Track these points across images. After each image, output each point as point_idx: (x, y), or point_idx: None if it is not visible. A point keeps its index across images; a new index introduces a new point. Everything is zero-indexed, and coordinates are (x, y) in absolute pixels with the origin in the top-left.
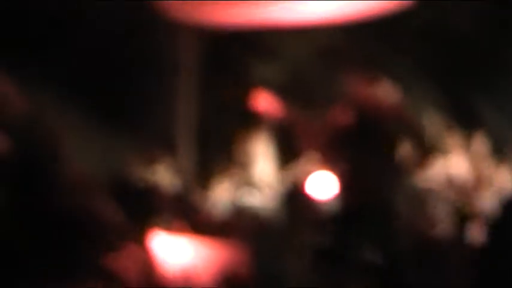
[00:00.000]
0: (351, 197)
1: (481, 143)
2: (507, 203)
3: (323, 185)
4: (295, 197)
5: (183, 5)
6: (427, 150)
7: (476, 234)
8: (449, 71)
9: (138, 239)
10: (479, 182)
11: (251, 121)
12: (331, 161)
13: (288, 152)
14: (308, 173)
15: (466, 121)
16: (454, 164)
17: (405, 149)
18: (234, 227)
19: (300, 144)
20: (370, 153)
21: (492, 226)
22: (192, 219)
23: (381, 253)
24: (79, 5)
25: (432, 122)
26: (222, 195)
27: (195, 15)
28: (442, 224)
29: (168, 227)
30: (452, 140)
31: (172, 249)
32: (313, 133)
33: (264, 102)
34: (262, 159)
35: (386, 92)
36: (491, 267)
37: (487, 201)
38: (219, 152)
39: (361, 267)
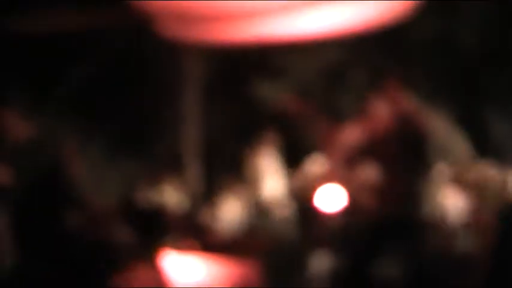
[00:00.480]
0: (377, 209)
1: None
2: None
3: (332, 199)
4: (305, 212)
5: (186, 26)
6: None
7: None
8: (457, 83)
9: (149, 259)
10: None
11: (257, 138)
12: (353, 171)
13: (296, 167)
14: (317, 186)
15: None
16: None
17: (438, 165)
18: (245, 245)
19: (325, 153)
20: (403, 165)
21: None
22: (202, 238)
23: (404, 269)
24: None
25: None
26: (231, 213)
27: (198, 34)
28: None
29: (178, 247)
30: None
31: (183, 269)
32: (339, 145)
33: (296, 104)
34: (270, 176)
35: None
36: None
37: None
38: (226, 170)
39: (383, 284)
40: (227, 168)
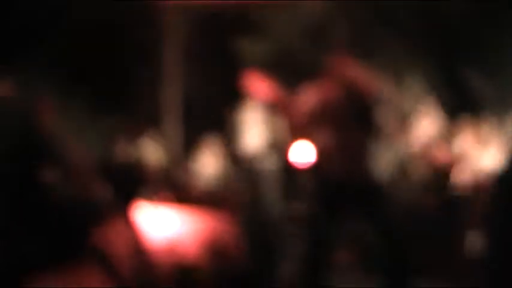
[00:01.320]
0: (333, 170)
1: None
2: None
3: (304, 154)
4: (282, 167)
5: None
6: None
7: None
8: (439, 42)
9: (123, 213)
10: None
11: (238, 96)
12: (311, 133)
13: (273, 125)
14: (290, 143)
15: (454, 93)
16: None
17: (384, 118)
18: (221, 197)
19: (283, 118)
20: (352, 126)
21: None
22: (179, 192)
23: (368, 224)
24: None
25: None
26: (209, 167)
27: None
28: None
29: (154, 199)
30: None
31: (158, 221)
32: (296, 107)
33: (254, 80)
34: (248, 132)
35: (366, 67)
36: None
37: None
38: (205, 125)
39: (348, 237)
40: (206, 124)
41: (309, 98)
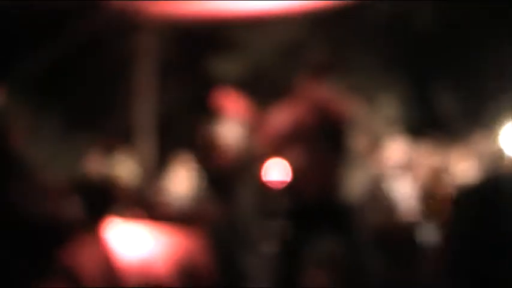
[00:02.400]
0: (305, 189)
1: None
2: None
3: (278, 173)
4: (256, 185)
5: (140, 1)
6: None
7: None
8: (411, 61)
9: (95, 231)
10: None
11: (211, 113)
12: (284, 153)
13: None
14: (264, 161)
15: (425, 109)
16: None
17: (357, 140)
18: (193, 216)
19: (256, 137)
20: (322, 146)
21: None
22: (151, 210)
23: (340, 244)
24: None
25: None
26: (181, 184)
27: (152, 10)
28: (401, 211)
29: (126, 217)
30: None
31: (129, 239)
32: (269, 126)
33: (227, 98)
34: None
35: (337, 87)
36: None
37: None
38: (178, 143)
39: (320, 258)
40: (179, 141)
41: (281, 117)
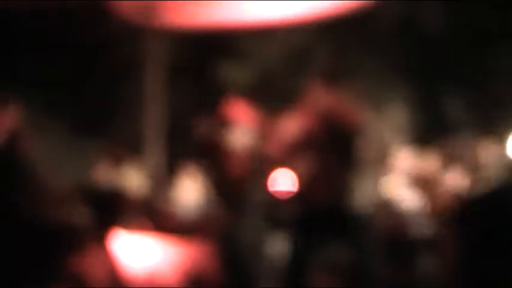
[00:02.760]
0: (313, 197)
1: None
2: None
3: (285, 183)
4: (264, 195)
5: (149, 8)
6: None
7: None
8: (419, 69)
9: (102, 240)
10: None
11: (220, 121)
12: (292, 162)
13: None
14: (273, 170)
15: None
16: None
17: (365, 149)
18: (201, 227)
19: (265, 146)
20: (331, 155)
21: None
22: (159, 220)
23: (348, 252)
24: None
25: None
26: (190, 194)
27: (161, 16)
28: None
29: (133, 228)
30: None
31: (137, 250)
32: (277, 135)
33: (236, 107)
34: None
35: (346, 95)
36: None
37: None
38: (187, 152)
39: (328, 266)
40: (188, 151)
41: (290, 125)
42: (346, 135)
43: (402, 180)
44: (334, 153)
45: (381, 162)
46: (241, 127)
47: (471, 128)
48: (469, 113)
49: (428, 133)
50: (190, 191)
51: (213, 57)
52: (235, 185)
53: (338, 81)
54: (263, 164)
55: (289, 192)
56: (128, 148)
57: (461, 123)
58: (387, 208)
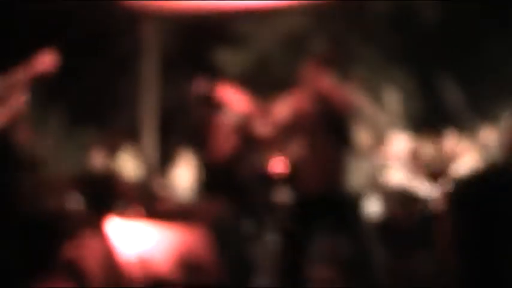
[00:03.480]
0: (307, 181)
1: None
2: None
3: (278, 167)
4: (257, 180)
5: None
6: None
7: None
8: (415, 54)
9: (97, 226)
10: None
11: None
12: (286, 145)
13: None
14: (267, 153)
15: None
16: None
17: (361, 132)
18: (196, 211)
19: (259, 129)
20: (325, 139)
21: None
22: (153, 206)
23: (343, 236)
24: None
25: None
26: (183, 181)
27: (156, 4)
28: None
29: (128, 214)
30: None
31: (131, 236)
32: (270, 118)
33: (228, 93)
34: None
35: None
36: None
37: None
38: (181, 138)
39: (324, 250)
40: (183, 137)
41: (284, 108)
42: (341, 118)
43: (398, 164)
44: (328, 136)
45: (376, 146)
46: (235, 111)
47: (468, 112)
48: (466, 98)
49: (425, 118)
50: (184, 177)
51: (207, 42)
52: (228, 169)
53: (333, 64)
54: (256, 147)
55: (282, 175)
56: (123, 135)
57: (459, 108)
58: (382, 191)
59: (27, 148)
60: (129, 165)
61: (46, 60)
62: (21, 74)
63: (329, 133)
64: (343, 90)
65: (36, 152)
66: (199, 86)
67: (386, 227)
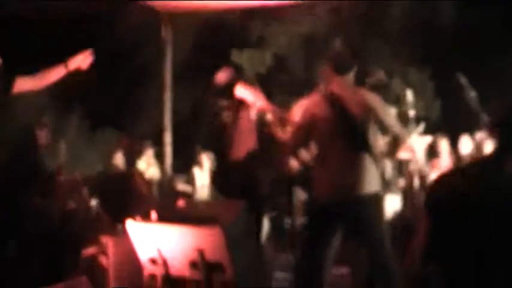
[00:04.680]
0: (323, 186)
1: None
2: None
3: (297, 171)
4: (275, 182)
5: None
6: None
7: None
8: (432, 56)
9: (117, 227)
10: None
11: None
12: (302, 147)
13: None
14: (281, 156)
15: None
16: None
17: (376, 139)
18: (213, 213)
19: (277, 130)
20: (343, 143)
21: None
22: (171, 207)
23: (358, 239)
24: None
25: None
26: (201, 183)
27: (174, 6)
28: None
29: (146, 216)
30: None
31: (150, 237)
32: (289, 120)
33: (247, 92)
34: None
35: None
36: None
37: None
38: (200, 140)
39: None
40: (201, 137)
41: (300, 112)
42: (358, 122)
43: (413, 167)
44: (345, 140)
45: (393, 149)
46: (253, 111)
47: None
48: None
49: (441, 120)
50: (202, 178)
51: (226, 44)
52: (246, 169)
53: (350, 66)
54: (275, 149)
55: (299, 178)
56: (142, 139)
57: (476, 110)
58: (398, 194)
59: (44, 152)
60: (149, 168)
61: (83, 59)
62: (60, 70)
63: (346, 136)
64: (357, 93)
65: (55, 155)
66: (221, 76)
67: (404, 229)
